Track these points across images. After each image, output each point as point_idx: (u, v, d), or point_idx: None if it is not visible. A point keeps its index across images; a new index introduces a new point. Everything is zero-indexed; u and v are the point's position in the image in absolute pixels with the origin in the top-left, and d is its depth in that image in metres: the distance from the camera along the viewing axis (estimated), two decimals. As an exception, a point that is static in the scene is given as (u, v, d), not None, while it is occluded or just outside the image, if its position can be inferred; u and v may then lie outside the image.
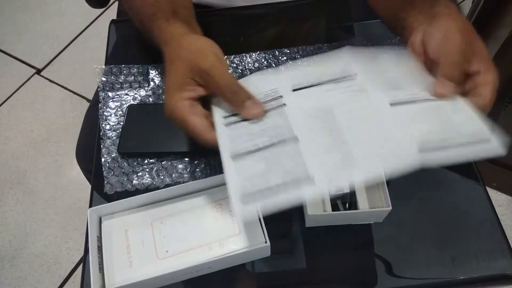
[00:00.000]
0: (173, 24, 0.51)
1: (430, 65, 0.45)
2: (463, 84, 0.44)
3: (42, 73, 1.62)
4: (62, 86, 1.58)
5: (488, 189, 0.54)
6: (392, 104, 0.44)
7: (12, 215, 1.33)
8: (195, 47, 0.47)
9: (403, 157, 0.39)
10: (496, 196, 1.28)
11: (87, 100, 1.54)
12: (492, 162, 1.21)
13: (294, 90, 0.47)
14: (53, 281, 1.22)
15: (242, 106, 0.44)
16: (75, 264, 1.24)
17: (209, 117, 0.46)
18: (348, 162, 0.40)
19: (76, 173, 1.36)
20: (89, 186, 0.74)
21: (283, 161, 0.41)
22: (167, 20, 0.51)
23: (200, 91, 0.45)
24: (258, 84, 0.48)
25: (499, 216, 0.52)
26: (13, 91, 1.57)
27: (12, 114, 1.53)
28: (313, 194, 0.40)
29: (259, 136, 0.44)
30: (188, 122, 0.44)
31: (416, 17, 0.47)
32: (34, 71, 1.62)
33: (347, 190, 0.48)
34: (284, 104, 0.46)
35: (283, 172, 0.40)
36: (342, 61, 0.49)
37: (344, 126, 0.43)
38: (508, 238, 0.50)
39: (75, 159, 0.76)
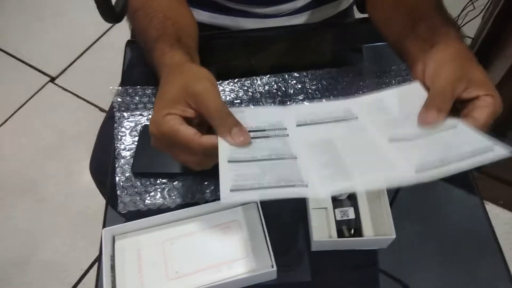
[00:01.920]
0: (176, 50, 0.52)
1: None
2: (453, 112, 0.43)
3: (56, 81, 1.65)
4: (75, 95, 1.61)
5: (494, 207, 0.55)
6: (391, 141, 0.45)
7: (22, 221, 1.36)
8: (191, 72, 0.48)
9: (399, 175, 0.40)
10: (503, 214, 1.28)
11: (100, 109, 1.57)
12: (498, 179, 1.21)
13: (298, 125, 0.49)
14: (61, 288, 1.24)
15: (228, 132, 0.44)
16: (83, 271, 1.26)
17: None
18: (345, 174, 0.42)
19: (86, 181, 1.38)
20: (99, 194, 0.77)
21: (279, 170, 0.42)
22: (171, 46, 0.52)
23: (189, 113, 0.45)
24: (265, 115, 0.50)
25: (505, 234, 0.53)
26: (27, 98, 1.61)
27: (25, 121, 1.56)
28: (305, 195, 0.40)
29: (259, 151, 0.45)
30: (179, 132, 0.43)
31: (418, 46, 0.48)
32: (48, 79, 1.66)
33: (345, 201, 0.50)
34: (287, 135, 0.48)
35: (277, 177, 0.41)
36: (344, 106, 0.50)
37: (343, 152, 0.44)
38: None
39: (86, 168, 0.78)
